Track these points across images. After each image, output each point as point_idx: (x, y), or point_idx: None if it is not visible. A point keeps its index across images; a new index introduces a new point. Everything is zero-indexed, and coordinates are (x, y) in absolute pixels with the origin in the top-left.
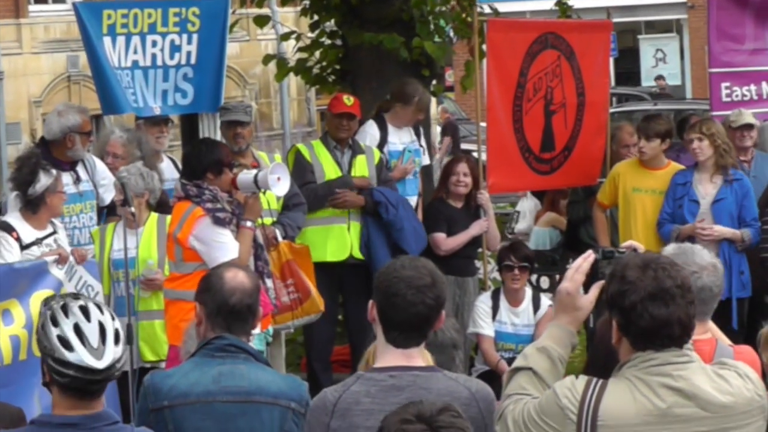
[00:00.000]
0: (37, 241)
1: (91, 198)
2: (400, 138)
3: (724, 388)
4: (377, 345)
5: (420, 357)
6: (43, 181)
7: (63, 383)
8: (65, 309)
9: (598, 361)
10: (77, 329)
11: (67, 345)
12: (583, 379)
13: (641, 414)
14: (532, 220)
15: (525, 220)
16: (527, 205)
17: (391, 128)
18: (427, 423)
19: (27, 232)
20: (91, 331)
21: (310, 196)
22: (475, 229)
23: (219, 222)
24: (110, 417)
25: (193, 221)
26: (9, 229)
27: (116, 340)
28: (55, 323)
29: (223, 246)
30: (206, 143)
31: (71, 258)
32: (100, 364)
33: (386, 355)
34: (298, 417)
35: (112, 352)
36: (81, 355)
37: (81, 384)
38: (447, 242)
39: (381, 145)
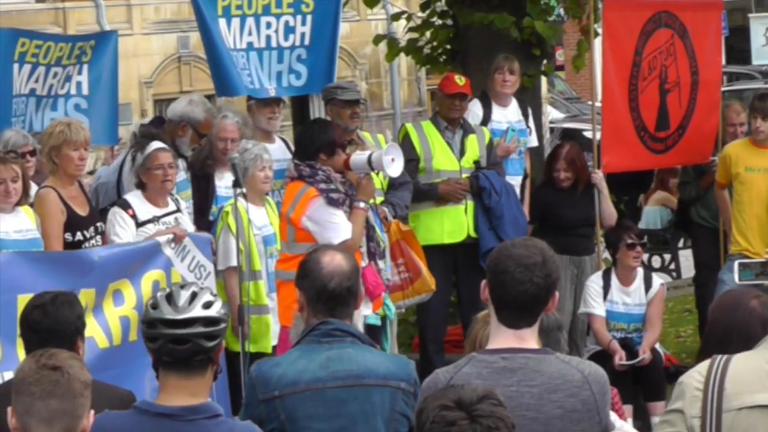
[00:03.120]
0: (154, 219)
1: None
2: (505, 116)
3: None
4: (490, 325)
5: (533, 339)
6: (139, 160)
7: (155, 350)
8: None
9: (713, 341)
10: (169, 295)
11: (154, 306)
12: (705, 362)
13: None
14: None
15: None
16: None
17: (495, 106)
18: (466, 410)
19: (144, 209)
20: (182, 295)
21: (414, 187)
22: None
23: (332, 202)
24: (211, 409)
25: (306, 202)
26: (125, 206)
27: (207, 306)
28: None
29: (337, 227)
30: (319, 123)
31: (186, 237)
32: (180, 316)
33: (498, 336)
34: (409, 397)
35: (198, 311)
36: (163, 310)
37: (169, 348)
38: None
39: (484, 123)
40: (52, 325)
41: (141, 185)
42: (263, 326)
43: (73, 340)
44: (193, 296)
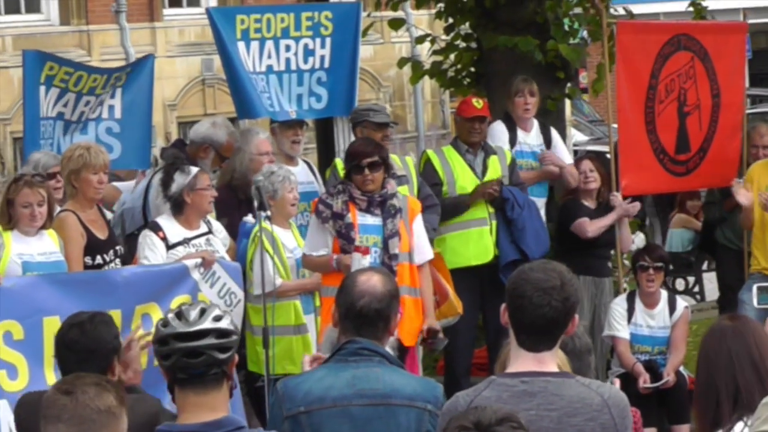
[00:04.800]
0: (185, 241)
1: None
2: (527, 139)
3: None
4: (510, 349)
5: (553, 362)
6: (179, 180)
7: (169, 367)
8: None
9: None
10: (178, 313)
11: (165, 324)
12: None
13: None
14: None
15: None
16: None
17: (519, 129)
18: None
19: (175, 231)
20: (191, 311)
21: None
22: (619, 211)
23: (316, 212)
24: (234, 422)
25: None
26: (156, 228)
27: (218, 318)
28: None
29: (309, 235)
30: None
31: (216, 263)
32: (191, 328)
33: (518, 360)
34: (435, 419)
35: (209, 323)
36: (174, 326)
37: (183, 363)
38: (593, 224)
39: (511, 144)
40: (89, 345)
41: (179, 206)
42: (303, 346)
43: (110, 360)
44: (203, 311)
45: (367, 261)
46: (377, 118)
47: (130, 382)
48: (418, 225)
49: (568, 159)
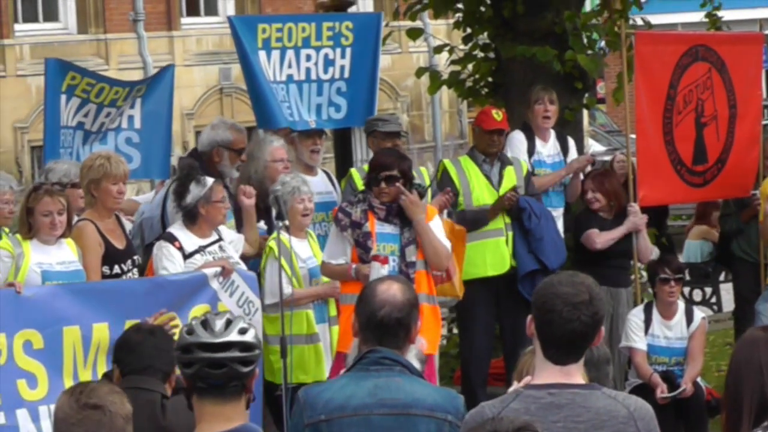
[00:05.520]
0: (200, 249)
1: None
2: (545, 149)
3: None
4: (536, 360)
5: (579, 374)
6: (194, 192)
7: (190, 375)
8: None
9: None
10: (204, 321)
11: (190, 331)
12: None
13: None
14: None
15: None
16: None
17: (537, 138)
18: None
19: (189, 241)
20: (217, 321)
21: (459, 220)
22: (628, 224)
23: (335, 220)
24: (249, 431)
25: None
26: (171, 239)
27: (243, 331)
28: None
29: (328, 244)
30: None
31: (235, 272)
32: (216, 339)
33: (545, 372)
34: (455, 430)
35: (235, 336)
36: (199, 335)
37: (205, 373)
38: (601, 236)
39: (529, 154)
40: (153, 350)
41: (192, 217)
42: (315, 355)
43: (172, 367)
44: (228, 323)
45: (385, 270)
46: (386, 128)
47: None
48: (436, 226)
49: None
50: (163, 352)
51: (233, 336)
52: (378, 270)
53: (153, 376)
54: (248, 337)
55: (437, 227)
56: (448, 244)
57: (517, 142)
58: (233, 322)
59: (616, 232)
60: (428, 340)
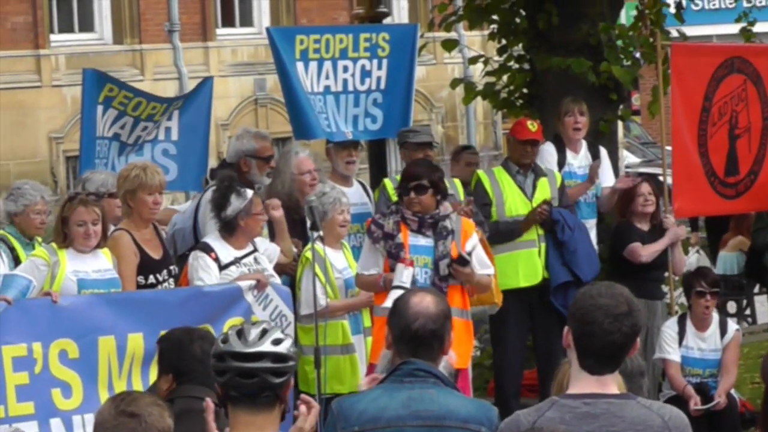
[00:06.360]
0: (236, 261)
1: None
2: (576, 161)
3: None
4: (571, 370)
5: (614, 383)
6: (235, 204)
7: (222, 383)
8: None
9: None
10: (240, 330)
11: (224, 340)
12: None
13: None
14: None
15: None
16: None
17: (568, 150)
18: None
19: (225, 252)
20: (252, 331)
21: (492, 231)
22: (670, 235)
23: (368, 232)
24: None
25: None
26: (207, 249)
27: (276, 342)
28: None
29: (362, 256)
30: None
31: (269, 286)
32: (248, 349)
33: (580, 381)
34: None
35: (267, 347)
36: (233, 344)
37: (236, 382)
38: (646, 249)
39: (560, 166)
40: (206, 359)
41: (231, 228)
42: (351, 366)
43: None
44: (264, 332)
45: (410, 272)
46: (416, 139)
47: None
48: (474, 244)
49: (611, 180)
50: None
51: (265, 346)
52: (401, 271)
53: (206, 384)
54: (281, 348)
55: (475, 243)
56: (490, 268)
57: (547, 155)
58: (268, 332)
59: (659, 245)
60: (460, 354)
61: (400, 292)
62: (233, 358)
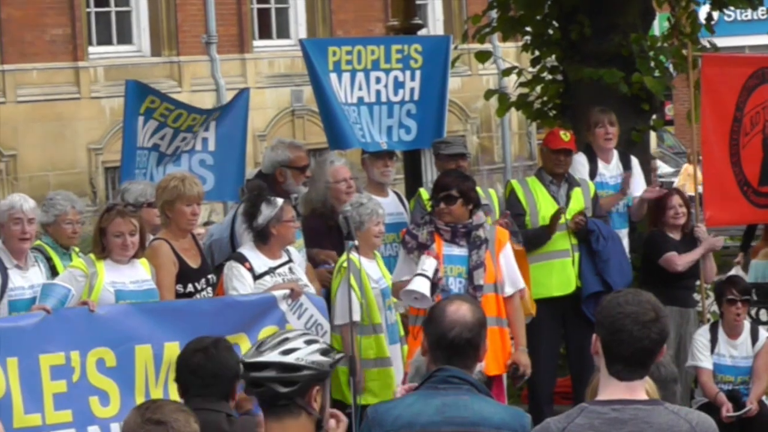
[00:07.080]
0: (270, 271)
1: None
2: (607, 171)
3: None
4: (600, 377)
5: (642, 389)
6: (265, 212)
7: (245, 391)
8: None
9: None
10: (264, 340)
11: (250, 348)
12: None
13: None
14: None
15: None
16: None
17: (599, 161)
18: None
19: (260, 262)
20: (271, 340)
21: (522, 239)
22: (705, 245)
23: (402, 243)
24: None
25: None
26: (242, 259)
27: (286, 352)
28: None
29: (398, 266)
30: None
31: (304, 295)
32: (253, 359)
33: (609, 388)
34: None
35: (273, 357)
36: (248, 353)
37: (248, 389)
38: (682, 258)
39: (591, 176)
40: (214, 369)
41: (264, 237)
42: (386, 378)
43: (233, 385)
44: (282, 341)
45: (432, 262)
46: (448, 150)
47: (245, 406)
48: (507, 255)
49: (642, 189)
50: (224, 369)
51: (272, 356)
52: (425, 260)
53: (214, 395)
54: (291, 357)
55: (508, 255)
56: (520, 283)
57: (579, 165)
58: (286, 341)
59: (695, 254)
60: (496, 361)
61: (422, 279)
62: (245, 368)
